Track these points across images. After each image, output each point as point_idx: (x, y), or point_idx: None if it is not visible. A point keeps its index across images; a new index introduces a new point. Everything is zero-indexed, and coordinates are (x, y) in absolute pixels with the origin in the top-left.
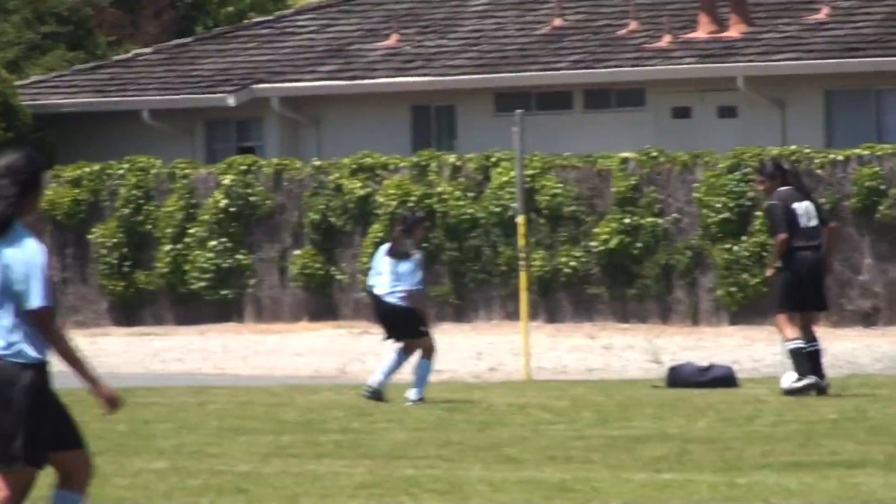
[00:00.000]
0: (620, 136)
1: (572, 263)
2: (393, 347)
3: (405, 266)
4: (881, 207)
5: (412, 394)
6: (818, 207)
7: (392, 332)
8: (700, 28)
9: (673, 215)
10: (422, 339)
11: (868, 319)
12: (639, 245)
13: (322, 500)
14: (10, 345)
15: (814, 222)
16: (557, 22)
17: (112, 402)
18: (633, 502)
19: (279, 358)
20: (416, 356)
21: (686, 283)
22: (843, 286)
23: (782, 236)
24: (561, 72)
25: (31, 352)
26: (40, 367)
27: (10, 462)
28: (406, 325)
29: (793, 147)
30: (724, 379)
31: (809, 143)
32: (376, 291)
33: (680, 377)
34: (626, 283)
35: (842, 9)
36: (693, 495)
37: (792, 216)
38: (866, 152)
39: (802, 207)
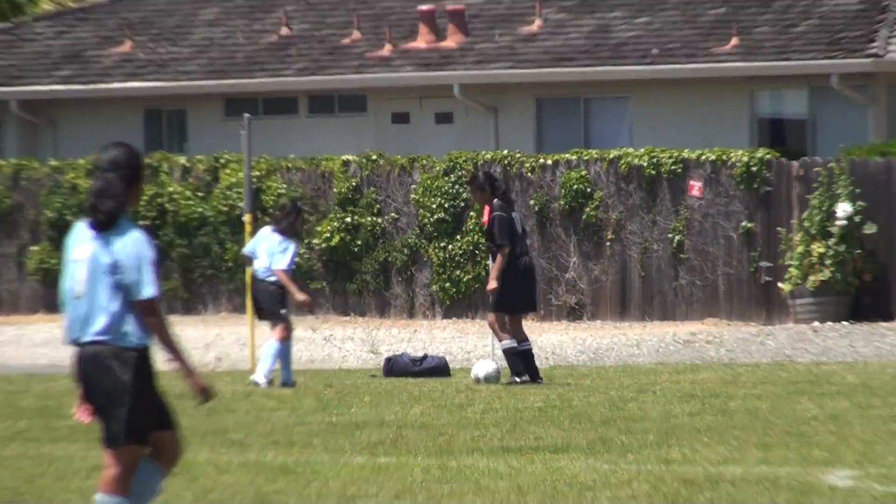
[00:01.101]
0: (343, 140)
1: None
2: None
3: (288, 247)
4: (587, 209)
5: (259, 375)
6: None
7: (261, 313)
8: (420, 38)
9: (391, 215)
10: (281, 321)
11: (573, 314)
12: (359, 243)
13: (58, 481)
14: (118, 331)
15: (522, 229)
16: (284, 31)
17: (205, 392)
18: (351, 484)
19: (17, 348)
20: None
21: (403, 278)
22: (550, 283)
23: (506, 249)
24: (287, 78)
25: (137, 338)
26: (144, 352)
27: (115, 441)
28: (273, 304)
29: (505, 151)
30: (437, 369)
31: (521, 148)
32: (257, 275)
33: (396, 367)
34: (346, 279)
35: (553, 21)
36: (407, 477)
37: (511, 226)
38: (574, 157)
39: (516, 217)
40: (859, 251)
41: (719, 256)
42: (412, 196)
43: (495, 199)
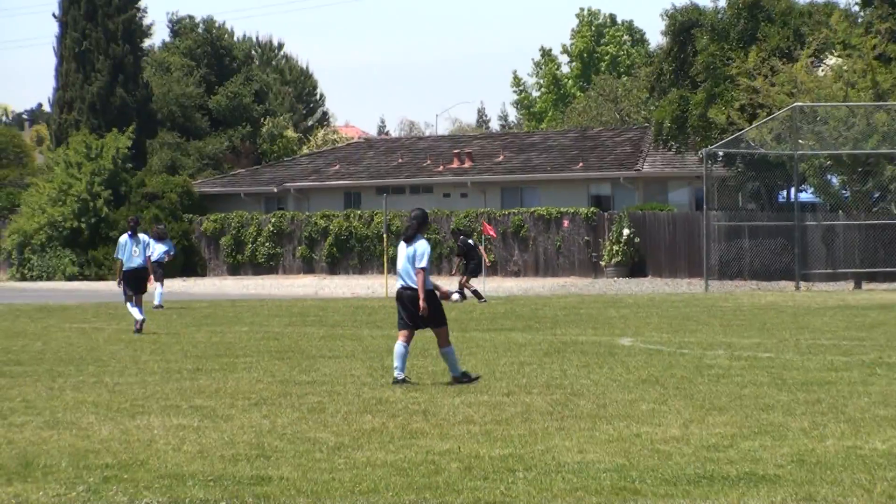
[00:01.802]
0: (423, 204)
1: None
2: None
3: (161, 245)
4: (521, 232)
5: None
6: None
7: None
8: (454, 162)
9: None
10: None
11: (516, 274)
12: None
13: None
14: (413, 282)
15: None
16: (400, 160)
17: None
18: None
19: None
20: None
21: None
22: (506, 261)
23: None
24: (399, 179)
25: (428, 285)
26: (430, 293)
27: (440, 325)
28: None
29: (490, 208)
30: None
31: (493, 208)
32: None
33: None
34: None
35: (509, 156)
36: None
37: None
38: (515, 210)
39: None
40: (632, 248)
41: (575, 251)
42: (451, 226)
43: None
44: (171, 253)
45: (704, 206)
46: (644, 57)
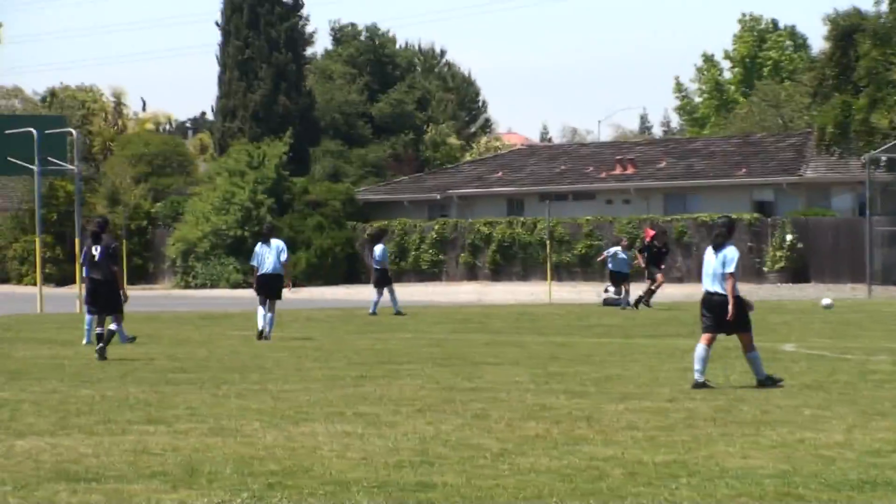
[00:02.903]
0: (582, 212)
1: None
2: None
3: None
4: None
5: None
6: None
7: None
8: (617, 169)
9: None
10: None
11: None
12: None
13: None
14: (722, 287)
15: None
16: (563, 167)
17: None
18: None
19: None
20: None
21: None
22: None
23: None
24: (562, 186)
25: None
26: (738, 298)
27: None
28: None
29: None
30: None
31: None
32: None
33: None
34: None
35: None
36: None
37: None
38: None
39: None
40: (795, 254)
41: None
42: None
43: None
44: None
45: (867, 212)
46: (806, 62)
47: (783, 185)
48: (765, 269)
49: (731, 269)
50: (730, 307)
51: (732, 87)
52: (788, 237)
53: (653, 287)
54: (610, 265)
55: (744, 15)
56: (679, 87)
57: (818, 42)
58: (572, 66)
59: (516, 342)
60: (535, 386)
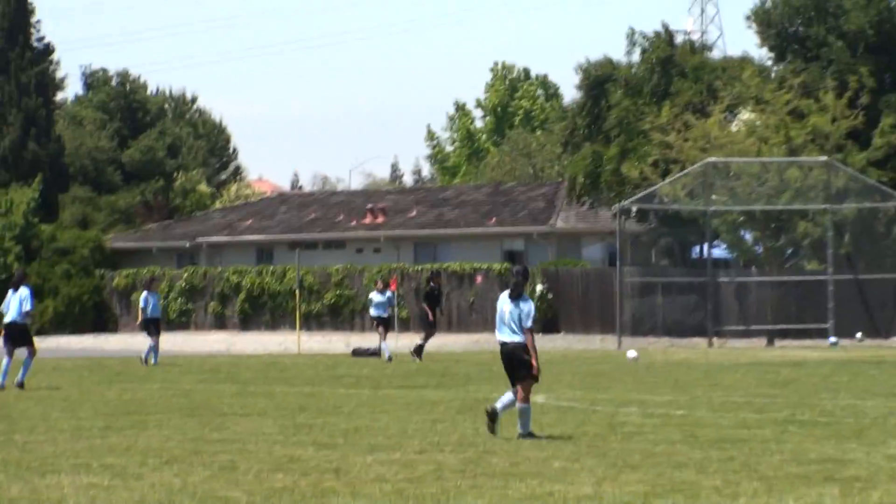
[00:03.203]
0: (334, 260)
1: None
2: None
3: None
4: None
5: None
6: None
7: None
8: (366, 218)
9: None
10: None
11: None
12: None
13: None
14: (519, 337)
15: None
16: (313, 215)
17: (537, 372)
18: None
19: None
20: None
21: None
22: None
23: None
24: (312, 234)
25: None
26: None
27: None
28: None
29: (404, 263)
30: None
31: (407, 262)
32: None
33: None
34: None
35: (423, 210)
36: None
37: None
38: (428, 265)
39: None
40: (545, 304)
41: (488, 307)
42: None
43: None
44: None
45: (618, 262)
46: (558, 111)
47: (534, 234)
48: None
49: (530, 323)
50: (534, 360)
51: (484, 136)
52: (539, 287)
53: (423, 342)
54: (372, 311)
55: (496, 64)
56: (431, 136)
57: (570, 91)
58: (324, 114)
59: (265, 392)
60: (283, 437)
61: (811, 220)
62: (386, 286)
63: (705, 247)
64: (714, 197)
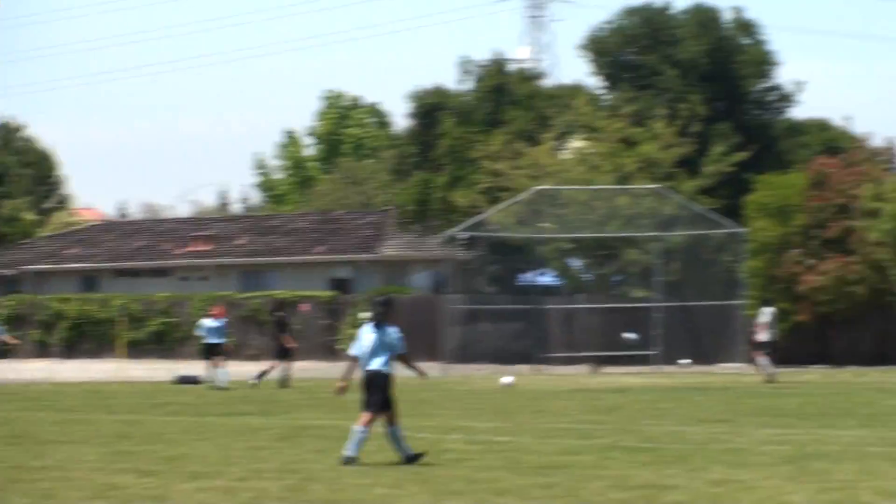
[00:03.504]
0: (155, 289)
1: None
2: None
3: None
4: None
5: None
6: None
7: None
8: (192, 245)
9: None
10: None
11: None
12: None
13: None
14: (386, 367)
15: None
16: (139, 243)
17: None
18: None
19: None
20: None
21: None
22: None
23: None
24: (136, 263)
25: (390, 369)
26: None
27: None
28: None
29: (226, 292)
30: None
31: (233, 290)
32: None
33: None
34: None
35: (249, 239)
36: None
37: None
38: (249, 294)
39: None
40: None
41: (314, 335)
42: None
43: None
44: None
45: (445, 289)
46: (388, 139)
47: (362, 262)
48: (339, 346)
49: (401, 348)
50: (421, 369)
51: (313, 164)
52: (365, 314)
53: (269, 369)
54: (205, 337)
55: (327, 92)
56: (260, 163)
57: (401, 119)
58: (153, 142)
59: (87, 420)
60: (104, 465)
61: (640, 247)
62: (219, 313)
63: (533, 273)
64: (543, 224)
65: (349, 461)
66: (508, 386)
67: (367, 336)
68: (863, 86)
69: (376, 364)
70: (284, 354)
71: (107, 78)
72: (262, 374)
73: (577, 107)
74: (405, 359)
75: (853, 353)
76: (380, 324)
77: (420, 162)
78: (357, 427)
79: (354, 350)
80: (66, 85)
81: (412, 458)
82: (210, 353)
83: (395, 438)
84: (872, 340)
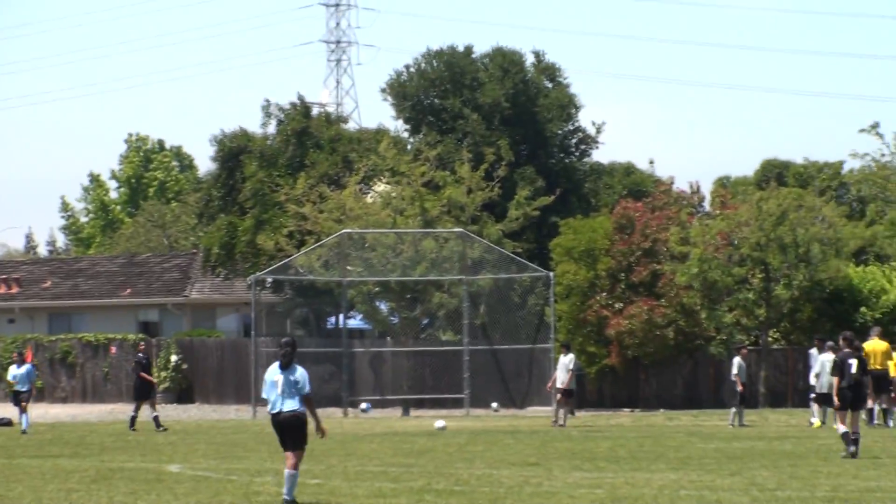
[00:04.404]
0: None
1: None
2: None
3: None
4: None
5: None
6: None
7: None
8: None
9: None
10: None
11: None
12: None
13: None
14: (300, 407)
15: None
16: None
17: (324, 432)
18: None
19: None
20: None
21: None
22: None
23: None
24: None
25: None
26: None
27: (302, 448)
28: None
29: (38, 333)
30: None
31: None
32: None
33: None
34: None
35: (57, 282)
36: None
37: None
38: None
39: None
40: (180, 374)
41: (123, 377)
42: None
43: None
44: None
45: (253, 333)
46: (193, 182)
47: (168, 305)
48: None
49: (308, 389)
50: (321, 425)
51: (118, 207)
52: (174, 358)
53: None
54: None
55: (130, 135)
56: (66, 206)
57: (205, 163)
58: None
59: None
60: None
61: (447, 290)
62: (22, 359)
63: (341, 317)
64: (349, 268)
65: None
66: (441, 430)
67: (275, 377)
68: (664, 129)
69: (290, 405)
70: (145, 395)
71: None
72: (134, 419)
73: (381, 150)
74: (310, 402)
75: (664, 396)
76: (287, 365)
77: (225, 205)
78: (288, 471)
79: (265, 393)
80: None
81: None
82: (17, 399)
83: (291, 479)
84: (682, 383)
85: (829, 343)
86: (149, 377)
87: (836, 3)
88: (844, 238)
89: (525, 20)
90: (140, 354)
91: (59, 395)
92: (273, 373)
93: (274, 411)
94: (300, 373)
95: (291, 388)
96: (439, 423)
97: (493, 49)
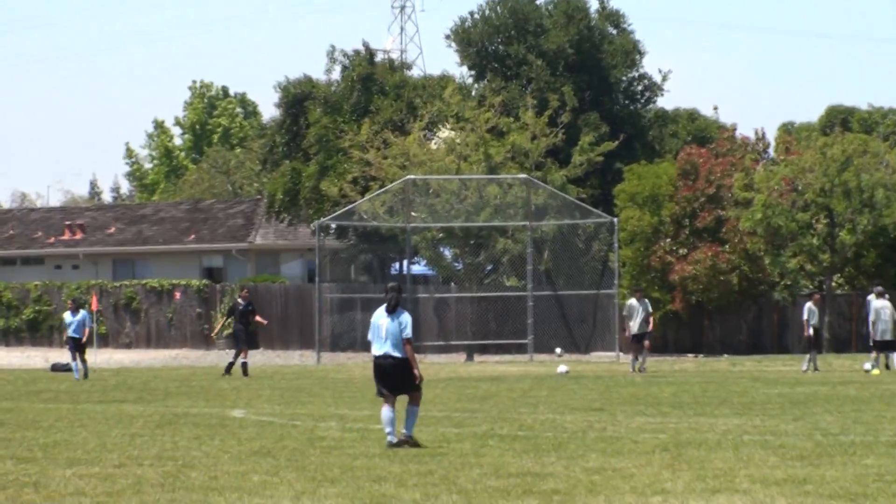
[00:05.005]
0: (33, 276)
1: None
2: None
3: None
4: (133, 304)
5: None
6: None
7: None
8: (65, 234)
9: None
10: None
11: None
12: None
13: None
14: (400, 352)
15: None
16: (11, 231)
17: (420, 378)
18: None
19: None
20: None
21: None
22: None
23: None
24: (10, 251)
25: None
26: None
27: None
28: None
29: (102, 280)
30: None
31: (106, 279)
32: None
33: None
34: None
35: (122, 228)
36: None
37: None
38: (107, 282)
39: None
40: None
41: (187, 323)
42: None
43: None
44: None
45: (317, 278)
46: (257, 129)
47: (233, 251)
48: (213, 335)
49: (409, 333)
50: (416, 371)
51: (183, 154)
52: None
53: (236, 359)
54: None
55: (194, 82)
56: (130, 153)
57: (270, 109)
58: (22, 131)
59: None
60: None
61: (511, 236)
62: (78, 307)
63: (405, 263)
64: (413, 214)
65: (393, 446)
66: (564, 374)
67: (380, 321)
68: (729, 76)
69: (394, 350)
70: (245, 342)
71: None
72: (231, 365)
73: (446, 97)
74: (410, 346)
75: (727, 342)
76: (393, 309)
77: (289, 151)
78: (384, 409)
79: (370, 336)
80: None
81: (407, 442)
82: (70, 345)
83: (412, 414)
84: (747, 329)
85: (878, 288)
86: (262, 319)
87: None
88: None
89: None
90: (242, 301)
91: (124, 340)
92: (379, 316)
93: (378, 354)
94: (405, 317)
95: (396, 332)
96: (562, 368)
97: None
